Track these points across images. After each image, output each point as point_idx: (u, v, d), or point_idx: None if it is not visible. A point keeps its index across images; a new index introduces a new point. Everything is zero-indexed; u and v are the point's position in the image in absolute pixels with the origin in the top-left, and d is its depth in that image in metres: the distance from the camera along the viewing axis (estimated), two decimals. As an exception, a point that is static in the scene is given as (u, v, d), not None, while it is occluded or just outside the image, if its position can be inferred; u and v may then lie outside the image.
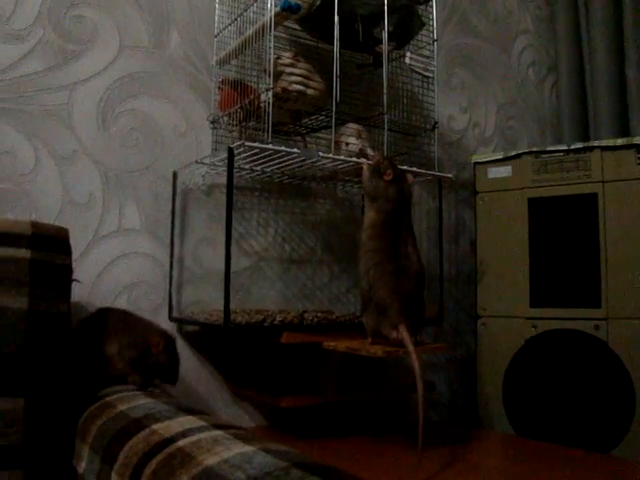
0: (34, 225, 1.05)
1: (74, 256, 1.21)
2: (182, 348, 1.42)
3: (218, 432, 0.78)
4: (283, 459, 0.66)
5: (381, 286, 1.18)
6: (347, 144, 1.40)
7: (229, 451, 0.69)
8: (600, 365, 1.56)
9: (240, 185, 1.54)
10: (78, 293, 1.30)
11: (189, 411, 0.91)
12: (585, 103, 2.26)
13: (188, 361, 1.43)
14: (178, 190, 1.46)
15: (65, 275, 1.07)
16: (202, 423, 0.83)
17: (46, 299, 1.02)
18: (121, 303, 1.37)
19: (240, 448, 0.70)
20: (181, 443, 0.74)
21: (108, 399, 1.01)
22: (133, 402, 0.98)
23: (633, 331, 1.53)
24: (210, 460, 0.67)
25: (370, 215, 1.26)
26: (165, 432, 0.79)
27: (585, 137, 2.24)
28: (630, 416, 1.52)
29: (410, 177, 1.29)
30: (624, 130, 2.16)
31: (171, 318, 1.40)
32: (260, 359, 1.50)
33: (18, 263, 1.00)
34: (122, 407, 0.95)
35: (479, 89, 2.12)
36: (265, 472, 0.61)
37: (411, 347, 1.13)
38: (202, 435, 0.76)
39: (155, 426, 0.82)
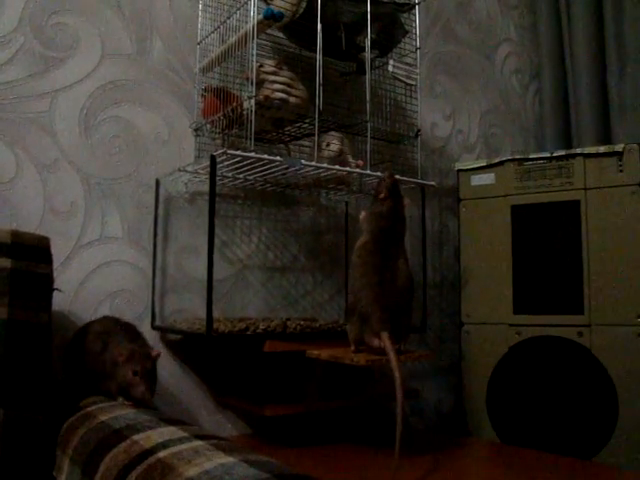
0: (14, 234, 1.04)
1: (55, 264, 1.20)
2: (165, 357, 1.41)
3: (199, 442, 0.78)
4: (264, 470, 0.65)
5: (365, 296, 1.19)
6: (328, 144, 1.41)
7: (210, 462, 0.68)
8: (583, 372, 1.57)
9: (223, 193, 1.54)
10: (60, 302, 1.29)
11: (171, 422, 0.91)
12: (567, 111, 2.28)
13: (171, 370, 1.43)
14: (161, 198, 1.45)
15: (46, 284, 1.06)
16: (183, 434, 0.82)
17: (26, 309, 1.01)
18: (103, 311, 1.36)
19: (221, 459, 0.69)
20: (162, 454, 0.74)
21: (89, 409, 1.00)
22: (114, 412, 0.97)
23: (616, 338, 1.54)
24: (191, 471, 0.67)
25: (362, 238, 1.27)
26: (146, 443, 0.79)
27: (568, 144, 2.26)
28: (613, 423, 1.53)
29: (407, 200, 1.30)
30: (606, 138, 2.18)
31: (154, 327, 1.39)
32: (243, 367, 1.49)
33: (-2, 272, 1.00)
34: (103, 417, 0.94)
35: (462, 96, 2.13)
36: (245, 484, 0.61)
37: (392, 355, 1.13)
38: (183, 446, 0.76)
39: (136, 437, 0.82)
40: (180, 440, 0.79)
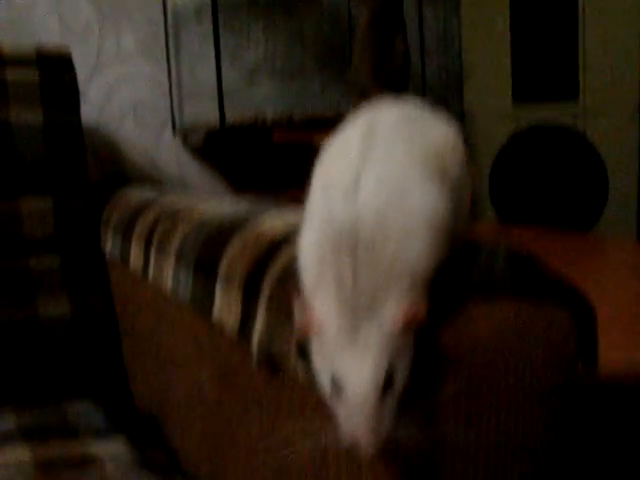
0: (38, 48, 1.17)
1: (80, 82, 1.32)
2: (189, 162, 1.56)
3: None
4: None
5: (364, 67, 1.27)
6: None
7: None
8: (578, 156, 1.69)
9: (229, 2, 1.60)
10: (87, 117, 1.42)
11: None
12: None
13: (195, 174, 1.58)
14: (169, 12, 1.53)
15: (72, 90, 1.19)
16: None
17: (58, 113, 1.15)
18: (128, 123, 1.49)
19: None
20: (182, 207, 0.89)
21: (123, 194, 1.17)
22: (145, 191, 1.14)
23: (609, 123, 1.64)
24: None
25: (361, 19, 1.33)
26: (172, 204, 0.94)
27: None
28: (604, 200, 1.67)
29: None
30: None
31: (175, 133, 1.53)
32: (257, 161, 1.63)
33: (29, 83, 1.13)
34: (134, 197, 1.11)
35: None
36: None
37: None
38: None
39: (164, 199, 0.98)
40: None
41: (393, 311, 0.38)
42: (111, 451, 0.85)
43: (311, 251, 0.42)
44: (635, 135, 1.62)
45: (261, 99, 1.66)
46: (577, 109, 1.67)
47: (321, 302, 0.40)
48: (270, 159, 1.58)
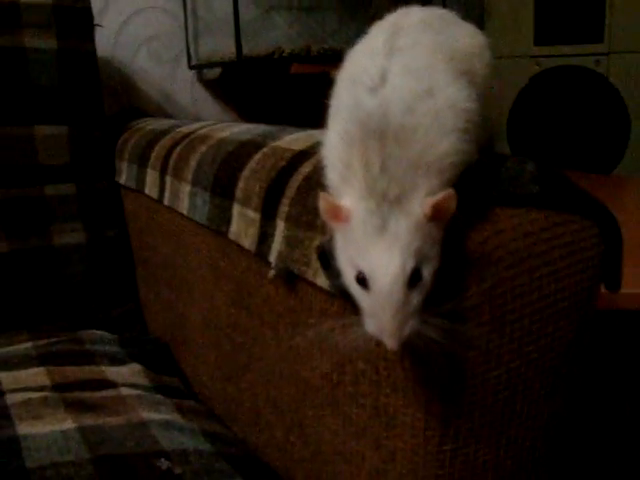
0: (51, -27, 1.14)
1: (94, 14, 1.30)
2: (205, 97, 1.54)
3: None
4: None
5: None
6: None
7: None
8: (599, 99, 1.66)
9: None
10: (102, 49, 1.40)
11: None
12: None
13: (210, 109, 1.56)
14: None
15: (86, 17, 1.16)
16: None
17: (73, 39, 1.13)
18: (142, 55, 1.47)
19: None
20: (202, 132, 0.88)
21: (138, 125, 1.16)
22: (157, 123, 1.12)
23: (632, 65, 1.60)
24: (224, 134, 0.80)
25: None
26: (190, 131, 0.93)
27: None
28: (625, 142, 1.65)
29: None
30: None
31: (190, 66, 1.51)
32: (274, 94, 1.61)
33: (43, 8, 1.11)
34: (149, 127, 1.09)
35: None
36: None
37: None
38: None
39: (179, 129, 0.97)
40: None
41: (422, 201, 0.37)
42: (126, 377, 0.86)
43: (338, 142, 0.41)
44: (657, 78, 1.59)
45: (278, 34, 1.63)
46: (600, 51, 1.64)
47: (349, 192, 0.39)
48: (286, 92, 1.56)
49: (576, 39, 1.67)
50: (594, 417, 0.87)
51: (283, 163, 0.58)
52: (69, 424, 0.67)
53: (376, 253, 0.37)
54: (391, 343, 0.37)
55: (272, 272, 0.56)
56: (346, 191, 0.39)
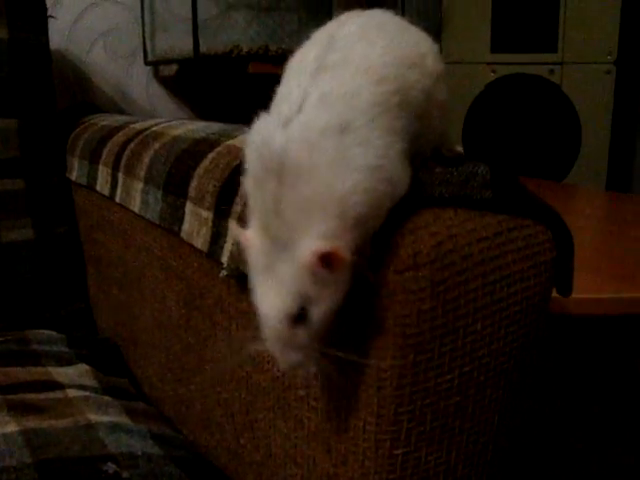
0: (2, -40, 1.10)
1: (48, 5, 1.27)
2: (160, 94, 1.52)
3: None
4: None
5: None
6: None
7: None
8: (552, 107, 1.69)
9: None
10: (55, 41, 1.37)
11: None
12: None
13: (166, 106, 1.54)
14: None
15: (39, 7, 1.13)
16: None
17: (24, 30, 1.10)
18: (97, 50, 1.44)
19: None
20: (156, 129, 0.86)
21: (91, 121, 1.13)
22: (111, 118, 1.10)
23: (584, 75, 1.64)
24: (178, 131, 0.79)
25: None
26: (141, 126, 0.91)
27: None
28: (577, 150, 1.68)
29: None
30: None
31: (146, 62, 1.48)
32: (230, 92, 1.59)
33: (-8, -4, 1.07)
34: (102, 122, 1.07)
35: None
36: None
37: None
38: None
39: (134, 126, 0.95)
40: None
41: (309, 247, 0.36)
42: (74, 378, 0.84)
43: (249, 170, 0.41)
44: (609, 89, 1.62)
45: (237, 33, 1.62)
46: (555, 61, 1.67)
47: (252, 225, 0.40)
48: (243, 91, 1.55)
49: (531, 48, 1.69)
50: (545, 420, 0.88)
51: (237, 162, 0.57)
52: (12, 427, 0.65)
53: (261, 290, 0.39)
54: (280, 365, 0.40)
55: (224, 272, 0.56)
56: (251, 222, 0.40)
